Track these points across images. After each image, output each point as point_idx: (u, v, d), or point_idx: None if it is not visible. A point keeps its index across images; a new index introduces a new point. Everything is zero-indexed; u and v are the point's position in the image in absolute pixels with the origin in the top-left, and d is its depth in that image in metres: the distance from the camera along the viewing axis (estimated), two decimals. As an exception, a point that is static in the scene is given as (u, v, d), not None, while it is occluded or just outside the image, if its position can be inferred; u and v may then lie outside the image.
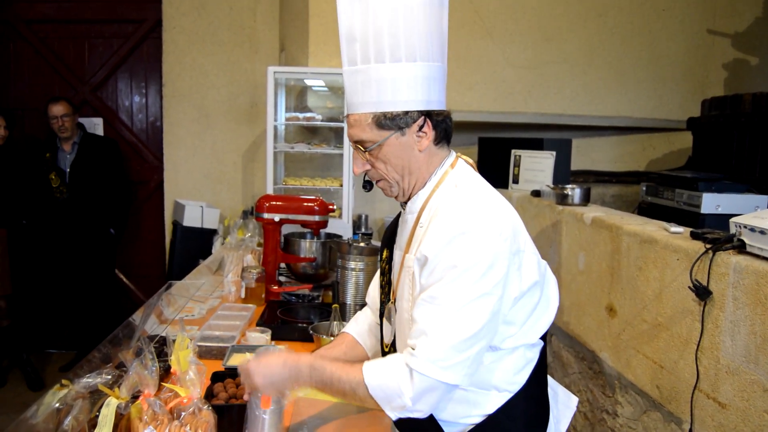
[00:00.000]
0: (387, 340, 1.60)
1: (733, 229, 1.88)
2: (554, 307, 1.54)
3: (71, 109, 4.50)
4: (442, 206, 1.42)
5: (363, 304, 2.57)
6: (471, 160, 1.60)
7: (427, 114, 1.44)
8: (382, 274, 1.66)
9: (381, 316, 1.65)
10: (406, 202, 1.54)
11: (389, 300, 1.59)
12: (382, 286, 1.66)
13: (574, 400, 1.70)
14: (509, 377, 1.46)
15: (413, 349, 1.33)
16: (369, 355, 1.74)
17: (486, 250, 1.32)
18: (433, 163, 1.50)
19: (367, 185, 1.58)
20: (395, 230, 1.65)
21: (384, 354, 1.60)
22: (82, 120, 4.87)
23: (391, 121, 1.42)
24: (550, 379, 1.62)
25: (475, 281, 1.31)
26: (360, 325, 1.79)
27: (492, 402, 1.46)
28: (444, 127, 1.48)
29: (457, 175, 1.49)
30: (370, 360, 1.44)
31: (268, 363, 1.46)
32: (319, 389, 1.46)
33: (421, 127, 1.44)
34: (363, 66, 1.42)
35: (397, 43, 1.38)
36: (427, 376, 1.31)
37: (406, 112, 1.42)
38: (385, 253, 1.66)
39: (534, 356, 1.50)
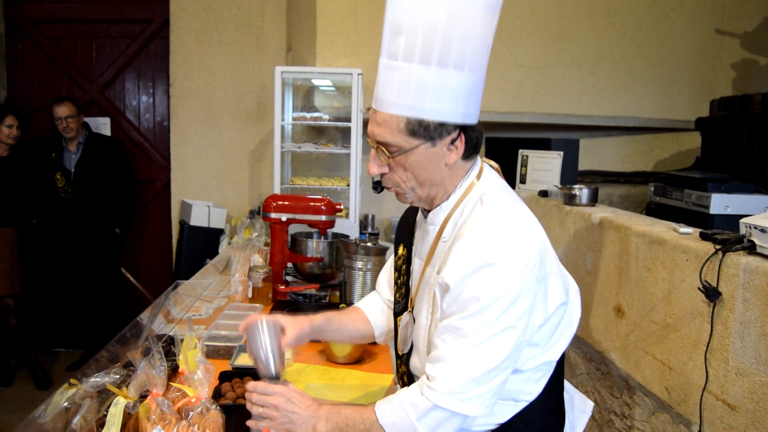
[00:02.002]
0: (402, 348, 1.57)
1: (743, 230, 1.87)
2: (576, 320, 1.49)
3: (76, 110, 4.51)
4: (466, 226, 1.35)
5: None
6: (496, 165, 1.54)
7: (463, 128, 1.34)
8: (397, 271, 1.62)
9: (396, 315, 1.62)
10: (428, 211, 1.48)
11: (407, 307, 1.56)
12: (397, 285, 1.61)
13: (590, 404, 1.67)
14: (527, 388, 1.43)
15: (430, 379, 1.30)
16: (375, 336, 1.75)
17: (510, 283, 1.26)
18: (457, 176, 1.41)
19: (378, 186, 1.48)
20: (412, 229, 1.61)
21: (398, 358, 1.59)
22: (89, 119, 4.88)
23: (425, 130, 1.31)
24: (566, 383, 1.60)
25: (499, 315, 1.26)
26: (373, 307, 1.77)
27: (508, 411, 1.43)
28: (475, 141, 1.39)
29: (483, 187, 1.42)
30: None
31: (295, 400, 1.41)
32: None
33: (453, 141, 1.34)
34: (405, 63, 1.28)
35: (449, 47, 1.26)
36: (445, 409, 1.28)
37: (443, 124, 1.32)
38: (401, 250, 1.61)
39: (549, 369, 1.46)
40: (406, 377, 1.57)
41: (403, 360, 1.57)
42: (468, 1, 1.26)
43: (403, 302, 1.58)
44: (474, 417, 1.33)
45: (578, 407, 1.63)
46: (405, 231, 1.63)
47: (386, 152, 1.36)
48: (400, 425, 1.32)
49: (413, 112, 1.30)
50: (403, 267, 1.59)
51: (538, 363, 1.41)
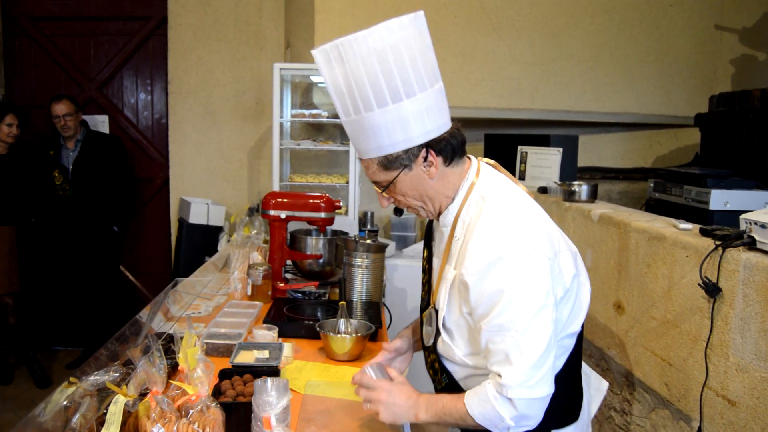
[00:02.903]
0: (427, 341, 1.69)
1: (743, 226, 1.86)
2: (588, 291, 1.61)
3: (74, 108, 4.50)
4: (474, 222, 1.49)
5: (369, 302, 2.58)
6: (492, 162, 1.65)
7: (428, 145, 1.47)
8: (423, 272, 1.77)
9: (421, 311, 1.75)
10: (439, 215, 1.62)
11: (430, 303, 1.69)
12: (423, 284, 1.76)
13: (605, 384, 1.80)
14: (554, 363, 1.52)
15: (500, 376, 1.41)
16: None
17: (527, 269, 1.39)
18: (452, 181, 1.55)
19: (398, 212, 1.68)
20: (432, 233, 1.76)
21: (426, 349, 1.71)
22: (87, 117, 4.87)
23: (394, 162, 1.48)
24: (583, 363, 1.72)
25: (528, 299, 1.38)
26: None
27: None
28: (451, 147, 1.51)
29: (483, 185, 1.55)
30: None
31: (396, 392, 1.55)
32: (435, 422, 1.55)
33: (425, 158, 1.48)
34: (356, 116, 1.45)
35: (380, 89, 1.39)
36: (521, 399, 1.40)
37: (406, 151, 1.46)
38: (425, 253, 1.77)
39: (572, 343, 1.59)
40: (437, 364, 1.68)
41: (430, 350, 1.68)
42: (393, 36, 1.38)
43: (426, 299, 1.72)
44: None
45: (594, 386, 1.78)
46: (428, 235, 1.78)
47: (379, 189, 1.56)
48: (488, 416, 1.44)
49: (379, 151, 1.47)
50: (427, 267, 1.75)
51: (561, 336, 1.54)
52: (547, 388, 1.43)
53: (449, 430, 1.86)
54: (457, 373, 1.63)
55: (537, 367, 1.39)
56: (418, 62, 1.41)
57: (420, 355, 1.80)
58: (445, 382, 1.66)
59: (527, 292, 1.38)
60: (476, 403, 1.45)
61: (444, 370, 1.66)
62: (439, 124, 1.47)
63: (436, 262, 1.68)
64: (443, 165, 1.51)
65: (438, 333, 1.63)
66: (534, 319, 1.38)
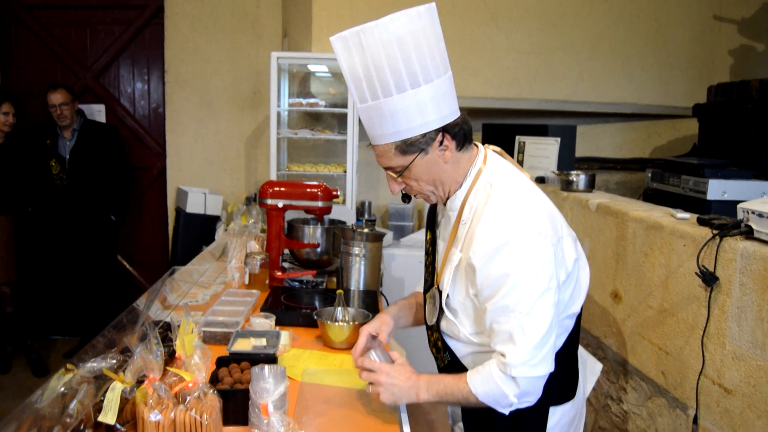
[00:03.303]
0: (430, 320, 1.75)
1: (740, 215, 1.86)
2: (587, 274, 1.67)
3: (70, 97, 4.47)
4: (481, 208, 1.55)
5: (366, 290, 2.59)
6: (499, 149, 1.71)
7: (444, 129, 1.52)
8: (426, 254, 1.83)
9: (424, 292, 1.81)
10: (445, 202, 1.67)
11: (433, 284, 1.75)
12: (426, 266, 1.83)
13: (599, 366, 1.90)
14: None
15: (503, 356, 1.48)
16: None
17: (532, 254, 1.46)
18: (462, 167, 1.61)
19: (406, 198, 1.71)
20: (435, 216, 1.82)
21: (429, 328, 1.78)
22: (84, 107, 4.84)
23: (412, 146, 1.52)
24: (579, 347, 1.79)
25: (533, 282, 1.45)
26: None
27: None
28: (463, 132, 1.56)
29: (490, 172, 1.61)
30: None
31: (396, 374, 1.59)
32: (437, 401, 1.60)
33: (441, 142, 1.53)
34: (373, 102, 1.48)
35: (399, 75, 1.44)
36: (524, 377, 1.47)
37: (424, 135, 1.51)
38: (428, 235, 1.83)
39: (571, 324, 1.65)
40: (440, 342, 1.73)
41: (434, 329, 1.74)
42: (413, 24, 1.43)
43: (430, 280, 1.79)
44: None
45: (589, 367, 1.87)
46: (431, 218, 1.85)
47: (393, 174, 1.59)
48: (492, 394, 1.51)
49: (397, 136, 1.51)
50: (430, 249, 1.81)
51: (563, 317, 1.60)
52: (548, 367, 1.50)
53: (448, 409, 1.91)
54: (460, 350, 1.69)
55: (539, 347, 1.46)
56: (434, 50, 1.47)
57: (423, 338, 1.83)
58: (448, 360, 1.72)
59: (532, 275, 1.45)
60: (479, 382, 1.51)
61: (447, 348, 1.71)
62: (452, 110, 1.53)
63: (441, 245, 1.73)
64: (456, 150, 1.56)
65: (441, 312, 1.69)
66: (538, 302, 1.45)
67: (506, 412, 1.54)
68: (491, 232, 1.48)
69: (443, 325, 1.71)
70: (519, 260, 1.45)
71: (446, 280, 1.64)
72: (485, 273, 1.49)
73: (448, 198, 1.65)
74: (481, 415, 1.66)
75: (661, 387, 2.22)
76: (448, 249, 1.66)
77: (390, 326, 1.79)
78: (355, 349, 1.72)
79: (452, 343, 1.70)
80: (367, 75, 1.46)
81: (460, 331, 1.65)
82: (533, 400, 1.53)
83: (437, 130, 1.51)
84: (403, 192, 1.68)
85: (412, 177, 1.58)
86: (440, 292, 1.68)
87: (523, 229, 1.46)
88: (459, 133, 1.55)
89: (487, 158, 1.64)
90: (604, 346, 2.64)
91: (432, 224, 1.83)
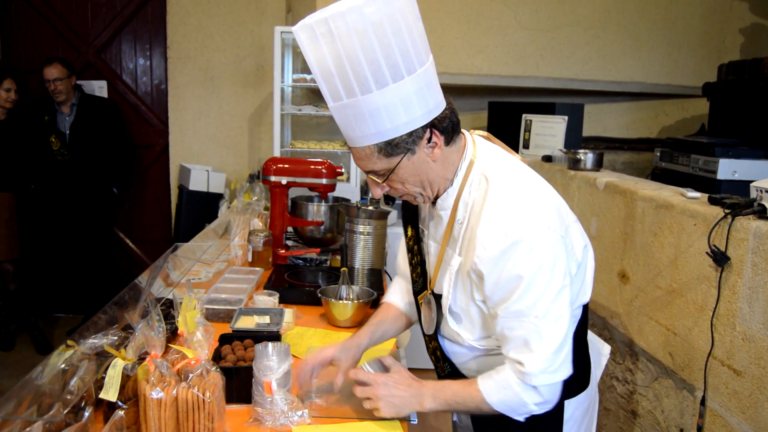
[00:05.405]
0: (427, 329, 1.61)
1: (753, 194, 1.83)
2: (592, 257, 1.55)
3: (66, 72, 4.38)
4: (479, 205, 1.39)
5: (371, 269, 2.56)
6: (485, 133, 1.56)
7: (431, 124, 1.34)
8: (410, 252, 1.66)
9: (415, 294, 1.65)
10: (435, 198, 1.49)
11: (426, 288, 1.60)
12: (413, 266, 1.65)
13: (607, 347, 1.78)
14: None
15: (521, 364, 1.36)
16: (413, 321, 1.77)
17: (543, 251, 1.32)
18: (452, 162, 1.44)
19: (389, 199, 1.56)
20: (414, 210, 1.65)
21: (426, 338, 1.63)
22: (85, 83, 4.80)
23: (397, 147, 1.33)
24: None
25: (548, 282, 1.32)
26: (400, 296, 1.80)
27: None
28: (452, 125, 1.39)
29: (482, 163, 1.44)
30: (480, 378, 1.44)
31: (393, 384, 1.48)
32: (443, 409, 1.48)
33: (429, 139, 1.36)
34: (350, 100, 1.28)
35: (379, 67, 1.24)
36: (545, 385, 1.36)
37: (410, 133, 1.32)
38: (410, 231, 1.65)
39: (580, 312, 1.53)
40: (439, 352, 1.61)
41: (432, 337, 1.61)
42: (388, 6, 1.22)
43: (420, 282, 1.62)
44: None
45: (597, 350, 1.74)
46: (408, 212, 1.67)
47: (376, 179, 1.41)
48: (510, 403, 1.39)
49: (379, 137, 1.32)
50: (415, 247, 1.64)
51: (575, 306, 1.48)
52: (568, 370, 1.39)
53: (452, 416, 1.79)
54: (463, 356, 1.57)
55: (558, 351, 1.35)
56: (414, 34, 1.27)
57: (420, 343, 1.70)
58: (448, 371, 1.61)
59: (545, 275, 1.32)
60: (494, 390, 1.39)
61: (446, 359, 1.60)
62: (438, 101, 1.35)
63: (433, 246, 1.57)
64: (445, 145, 1.39)
65: (439, 319, 1.57)
66: (553, 303, 1.33)
67: (522, 419, 1.42)
68: (495, 234, 1.32)
69: (444, 331, 1.58)
70: (530, 260, 1.30)
71: (446, 286, 1.49)
72: (494, 278, 1.34)
73: (437, 197, 1.48)
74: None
75: (668, 368, 2.20)
76: (442, 250, 1.51)
77: (357, 357, 1.64)
78: (299, 375, 1.59)
79: (454, 349, 1.58)
80: (339, 69, 1.25)
81: (464, 338, 1.51)
82: (552, 406, 1.42)
83: (424, 127, 1.33)
84: (386, 194, 1.49)
85: (397, 179, 1.40)
86: (436, 297, 1.55)
87: (530, 226, 1.32)
88: (446, 128, 1.37)
89: (477, 147, 1.46)
90: (611, 327, 2.62)
91: (412, 219, 1.65)
